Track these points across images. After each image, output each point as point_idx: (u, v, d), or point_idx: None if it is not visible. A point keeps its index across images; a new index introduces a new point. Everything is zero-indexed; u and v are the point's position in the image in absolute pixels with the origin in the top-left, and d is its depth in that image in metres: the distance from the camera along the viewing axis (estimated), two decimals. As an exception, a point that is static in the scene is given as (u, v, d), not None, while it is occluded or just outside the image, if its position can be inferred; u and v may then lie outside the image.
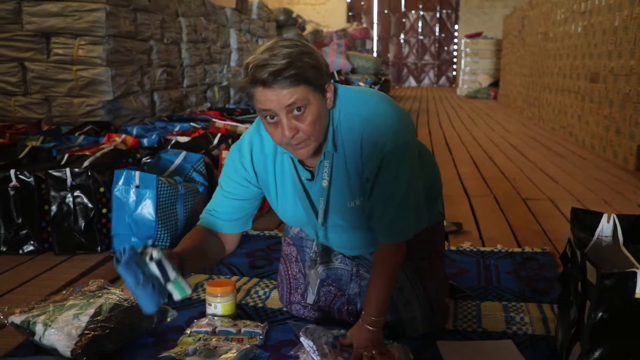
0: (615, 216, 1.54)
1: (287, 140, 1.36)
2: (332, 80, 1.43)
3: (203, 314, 1.81)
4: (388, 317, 1.62)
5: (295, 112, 1.33)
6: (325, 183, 1.51)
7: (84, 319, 1.59)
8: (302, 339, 1.52)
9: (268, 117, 1.35)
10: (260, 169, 1.58)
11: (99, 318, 1.60)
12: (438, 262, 1.80)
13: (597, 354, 1.22)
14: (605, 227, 1.54)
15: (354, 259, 1.73)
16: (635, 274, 1.17)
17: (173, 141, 3.23)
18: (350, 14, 17.71)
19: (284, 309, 1.89)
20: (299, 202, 1.58)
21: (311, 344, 1.49)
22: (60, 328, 1.56)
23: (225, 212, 1.61)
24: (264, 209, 3.04)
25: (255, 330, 1.66)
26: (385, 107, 1.46)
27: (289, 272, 1.84)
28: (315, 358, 1.48)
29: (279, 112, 1.33)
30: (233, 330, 1.66)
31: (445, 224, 2.36)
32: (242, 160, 1.57)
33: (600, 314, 1.20)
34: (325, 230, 1.64)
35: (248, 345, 1.57)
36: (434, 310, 1.69)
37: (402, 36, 18.15)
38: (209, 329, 1.66)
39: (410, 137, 1.49)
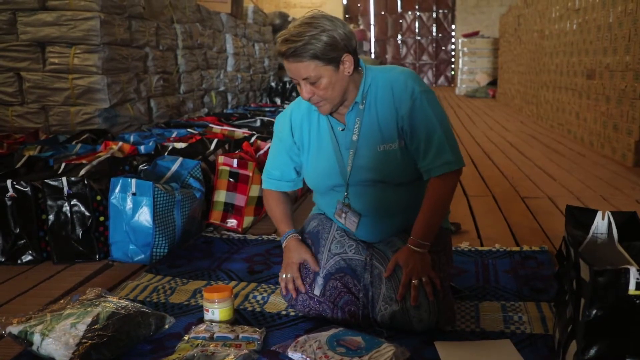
0: (609, 213, 1.54)
1: (308, 101, 1.70)
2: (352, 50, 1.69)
3: (201, 320, 1.81)
4: (394, 306, 1.66)
5: (310, 82, 1.65)
6: (355, 137, 1.77)
7: (82, 328, 1.59)
8: (290, 354, 1.53)
9: (294, 81, 1.69)
10: (297, 127, 1.88)
11: (96, 326, 1.60)
12: (446, 259, 1.85)
13: (592, 351, 1.21)
14: (600, 224, 1.54)
15: (368, 248, 1.82)
16: (628, 270, 1.17)
17: (170, 148, 3.24)
18: (347, 16, 17.71)
19: (283, 312, 1.89)
20: (332, 151, 1.81)
21: (300, 355, 1.51)
22: (58, 337, 1.56)
23: (277, 174, 1.95)
24: (261, 214, 3.04)
25: (253, 336, 1.66)
26: (406, 69, 1.80)
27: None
28: None
29: (298, 80, 1.67)
30: (231, 335, 1.66)
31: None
32: (283, 125, 1.91)
33: (594, 312, 1.20)
34: (349, 188, 1.81)
35: (246, 351, 1.57)
36: (439, 301, 1.68)
37: (399, 37, 18.15)
38: (207, 335, 1.66)
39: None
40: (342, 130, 1.80)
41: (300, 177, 1.96)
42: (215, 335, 1.66)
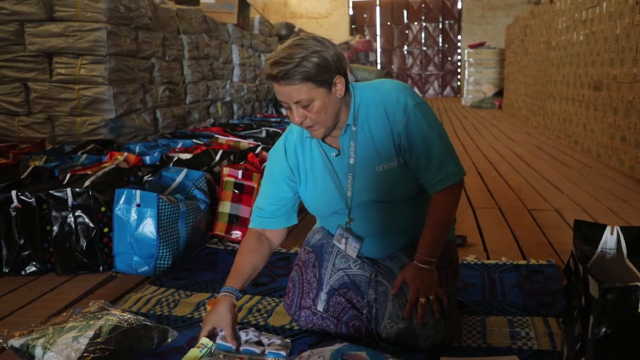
0: (618, 228, 1.51)
1: (300, 125, 1.63)
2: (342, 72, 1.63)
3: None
4: (400, 324, 1.64)
5: (303, 105, 1.58)
6: (352, 160, 1.71)
7: (84, 342, 1.58)
8: None
9: (285, 105, 1.62)
10: (292, 158, 1.80)
11: (98, 340, 1.59)
12: (452, 274, 1.82)
13: (602, 370, 1.19)
14: (609, 239, 1.52)
15: (373, 265, 1.78)
16: (638, 287, 1.14)
17: (175, 158, 3.23)
18: (353, 26, 17.76)
19: (287, 325, 1.87)
20: (330, 178, 1.75)
21: None
22: (60, 351, 1.55)
23: (269, 210, 1.83)
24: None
25: (279, 352, 1.62)
26: (396, 82, 1.75)
27: (303, 277, 1.83)
28: None
29: (290, 104, 1.59)
30: (257, 350, 1.62)
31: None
32: (277, 155, 1.83)
33: (603, 329, 1.18)
34: (352, 211, 1.75)
35: None
36: (445, 318, 1.67)
37: (405, 47, 18.17)
38: (233, 347, 1.63)
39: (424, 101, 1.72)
40: (337, 155, 1.74)
41: (294, 210, 1.87)
42: (242, 349, 1.63)
